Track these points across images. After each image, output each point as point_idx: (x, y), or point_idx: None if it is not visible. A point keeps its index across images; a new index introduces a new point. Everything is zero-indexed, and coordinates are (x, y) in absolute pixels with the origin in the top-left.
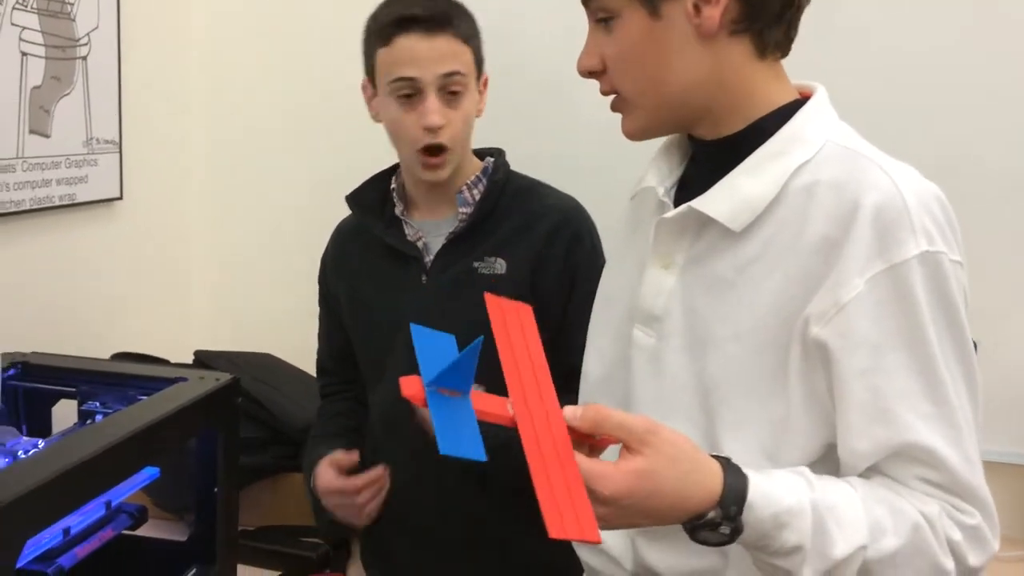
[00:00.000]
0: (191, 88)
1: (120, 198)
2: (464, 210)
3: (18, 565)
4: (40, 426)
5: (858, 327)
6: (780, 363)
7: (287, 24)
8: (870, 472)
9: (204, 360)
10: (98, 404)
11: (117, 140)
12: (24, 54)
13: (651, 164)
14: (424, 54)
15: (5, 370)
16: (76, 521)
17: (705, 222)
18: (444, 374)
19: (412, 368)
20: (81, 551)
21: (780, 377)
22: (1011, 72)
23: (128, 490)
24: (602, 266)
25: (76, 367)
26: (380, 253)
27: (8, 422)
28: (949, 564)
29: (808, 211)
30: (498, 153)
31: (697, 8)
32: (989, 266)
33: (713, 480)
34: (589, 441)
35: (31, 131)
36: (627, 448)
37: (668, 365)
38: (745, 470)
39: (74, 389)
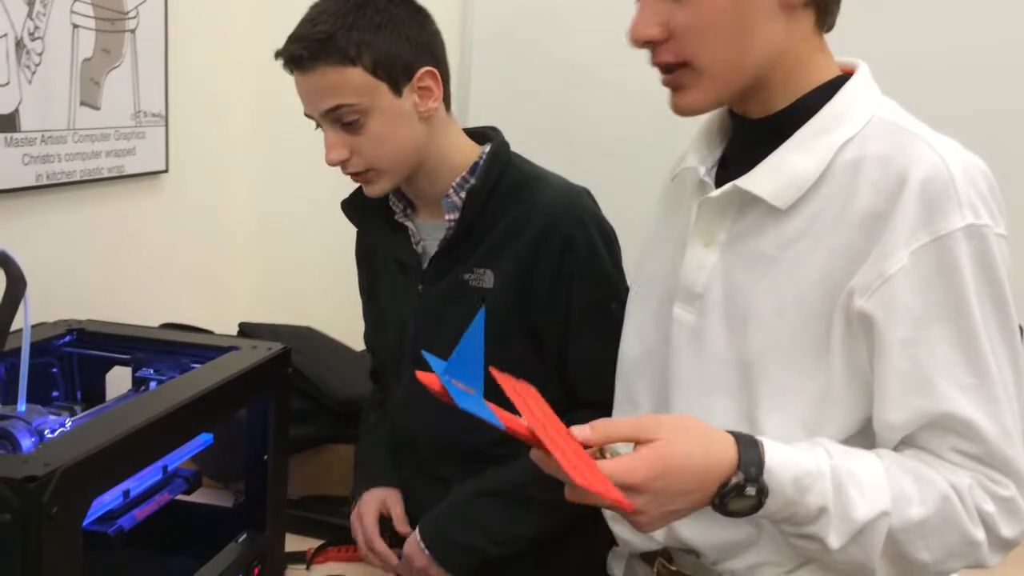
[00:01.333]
0: (236, 63)
1: (166, 171)
2: (451, 216)
3: (84, 524)
4: (94, 392)
5: (901, 298)
6: (823, 336)
7: None
8: (903, 445)
9: (248, 332)
10: (152, 371)
11: (164, 113)
12: (75, 26)
13: (691, 145)
14: (306, 92)
15: (61, 337)
16: (135, 484)
17: (749, 200)
18: (454, 361)
19: (416, 366)
20: (139, 513)
21: (822, 350)
22: None
23: (183, 456)
24: (609, 270)
25: (131, 335)
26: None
27: (63, 388)
28: (979, 535)
29: (854, 186)
30: (494, 138)
31: None
32: None
33: (728, 449)
34: None
35: (82, 103)
36: (639, 441)
37: (709, 342)
38: (757, 437)
39: (128, 356)
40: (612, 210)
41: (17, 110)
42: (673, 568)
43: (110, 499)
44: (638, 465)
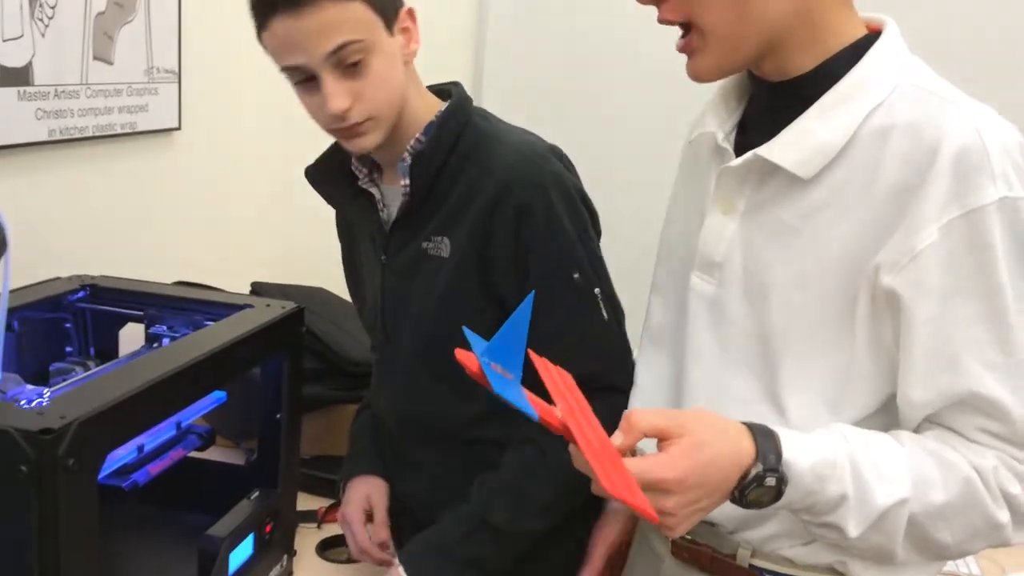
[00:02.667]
0: (250, 21)
1: (178, 128)
2: (404, 182)
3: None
4: (107, 348)
5: (930, 274)
6: (846, 310)
7: None
8: (927, 424)
9: (260, 291)
10: (165, 328)
11: (176, 70)
12: None
13: (708, 108)
14: (301, 37)
15: (75, 292)
16: (149, 440)
17: (770, 169)
18: (495, 344)
19: (387, 342)
20: (154, 468)
21: (846, 324)
22: None
23: (197, 412)
24: (572, 238)
25: (144, 291)
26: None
27: (76, 343)
28: (1003, 516)
29: (882, 156)
30: (455, 94)
31: None
32: None
33: (746, 440)
34: None
35: (95, 58)
36: (666, 435)
37: (729, 313)
38: (771, 427)
39: (141, 312)
40: (626, 185)
41: (30, 63)
42: (689, 537)
43: (124, 454)
44: (672, 463)
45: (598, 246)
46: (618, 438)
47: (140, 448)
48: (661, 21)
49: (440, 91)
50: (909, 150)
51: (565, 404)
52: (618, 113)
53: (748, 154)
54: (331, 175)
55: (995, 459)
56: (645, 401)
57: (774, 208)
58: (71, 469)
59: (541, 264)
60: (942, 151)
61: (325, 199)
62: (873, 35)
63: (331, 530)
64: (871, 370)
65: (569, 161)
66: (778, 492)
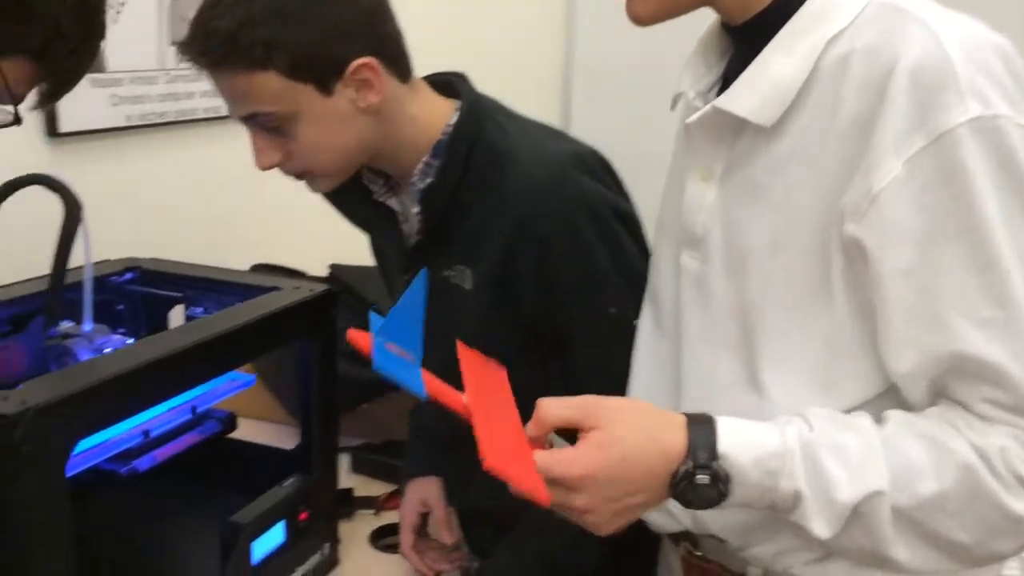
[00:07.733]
0: None
1: None
2: (418, 208)
3: (95, 462)
4: (158, 330)
5: (898, 218)
6: (822, 274)
7: None
8: (939, 399)
9: (339, 274)
10: (202, 310)
11: None
12: None
13: (685, 67)
14: (221, 93)
15: (121, 274)
16: (156, 425)
17: (739, 123)
18: (391, 321)
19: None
20: (160, 454)
21: (823, 290)
22: None
23: (218, 397)
24: (603, 268)
25: (184, 273)
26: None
27: (129, 325)
28: (1020, 506)
29: (840, 89)
30: (463, 102)
31: None
32: None
33: (677, 433)
34: None
35: (172, 43)
36: (582, 428)
37: (713, 291)
38: (716, 417)
39: (181, 295)
40: None
41: (102, 50)
42: (698, 554)
43: (127, 438)
44: (576, 459)
45: (639, 259)
46: (530, 430)
47: (146, 433)
48: None
49: (446, 84)
50: (865, 75)
51: (476, 394)
52: None
53: (707, 107)
54: (346, 188)
55: (1004, 437)
56: (644, 385)
57: (747, 166)
58: (27, 456)
59: (571, 301)
60: (896, 70)
61: (343, 214)
62: None
63: (390, 518)
64: (859, 342)
65: (600, 163)
66: (718, 492)
